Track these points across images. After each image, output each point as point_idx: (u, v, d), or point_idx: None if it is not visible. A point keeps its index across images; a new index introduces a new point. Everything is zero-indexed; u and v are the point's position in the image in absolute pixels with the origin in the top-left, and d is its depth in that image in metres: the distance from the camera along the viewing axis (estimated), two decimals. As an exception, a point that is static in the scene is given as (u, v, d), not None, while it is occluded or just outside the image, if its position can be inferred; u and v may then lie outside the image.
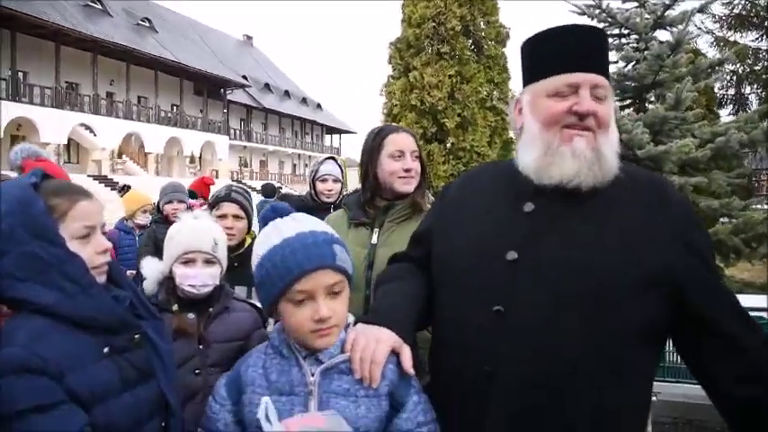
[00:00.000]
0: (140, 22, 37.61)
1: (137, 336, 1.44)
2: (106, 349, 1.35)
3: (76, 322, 1.30)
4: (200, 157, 40.71)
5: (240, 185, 3.04)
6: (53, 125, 28.87)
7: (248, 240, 2.82)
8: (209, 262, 2.03)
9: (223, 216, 2.69)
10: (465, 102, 12.79)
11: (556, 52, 1.37)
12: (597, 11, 7.76)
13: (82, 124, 31.60)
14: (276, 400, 1.26)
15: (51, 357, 1.24)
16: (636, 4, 7.46)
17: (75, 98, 31.72)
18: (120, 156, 33.24)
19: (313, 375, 1.29)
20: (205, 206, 3.90)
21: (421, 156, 2.35)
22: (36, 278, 1.27)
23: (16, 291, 1.28)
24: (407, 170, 2.23)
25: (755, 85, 14.18)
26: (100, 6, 34.36)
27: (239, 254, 2.69)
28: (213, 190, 4.89)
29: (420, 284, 1.54)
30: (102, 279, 1.42)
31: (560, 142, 1.34)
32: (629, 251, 1.25)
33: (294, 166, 56.62)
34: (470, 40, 13.21)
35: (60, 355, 1.26)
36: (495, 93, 13.87)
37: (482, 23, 13.38)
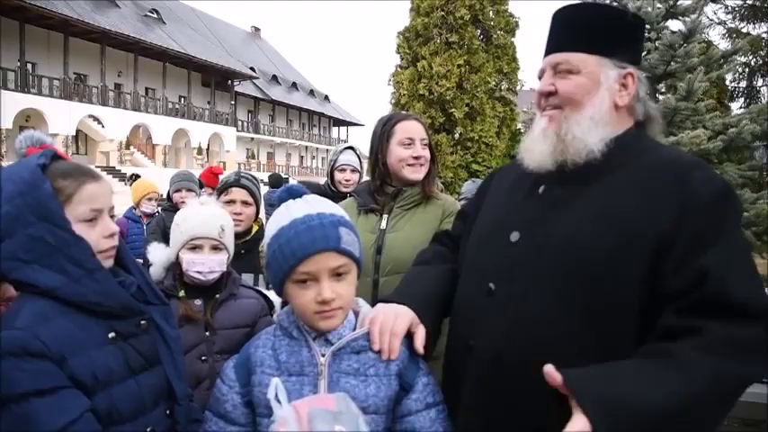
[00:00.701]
0: (148, 14, 37.57)
1: (143, 321, 1.42)
2: (111, 334, 1.34)
3: (81, 306, 1.29)
4: (207, 149, 40.77)
5: (248, 172, 3.02)
6: (61, 116, 28.96)
7: (255, 227, 2.81)
8: (216, 248, 2.02)
9: (231, 201, 2.68)
10: (473, 92, 12.71)
11: (547, 37, 1.46)
12: (608, 0, 7.70)
13: (90, 116, 31.68)
14: (286, 381, 1.25)
15: (53, 340, 1.22)
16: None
17: (83, 89, 31.77)
18: (128, 147, 33.36)
19: (323, 356, 1.29)
20: (212, 193, 3.88)
21: (431, 144, 2.34)
22: (41, 261, 1.27)
23: (21, 273, 1.27)
24: (417, 157, 2.24)
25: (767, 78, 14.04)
26: (107, -3, 34.34)
27: (246, 240, 2.69)
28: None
29: (448, 270, 1.59)
30: (108, 263, 1.40)
31: (542, 125, 1.41)
32: (620, 233, 1.22)
33: (302, 158, 56.61)
34: (479, 30, 13.08)
35: (63, 338, 1.24)
36: (503, 83, 13.74)
37: (491, 13, 13.23)
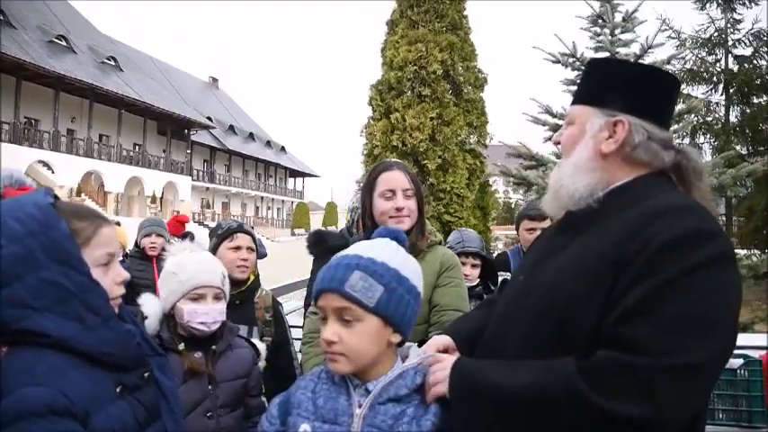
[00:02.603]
0: (105, 60, 37.19)
1: (146, 374, 1.35)
2: (119, 388, 1.25)
3: (93, 357, 1.20)
4: (161, 198, 40.02)
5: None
6: (9, 161, 27.80)
7: (252, 277, 2.67)
8: (217, 297, 1.95)
9: (237, 248, 2.57)
10: (445, 144, 12.87)
11: None
12: (571, 59, 8.01)
13: (40, 161, 30.77)
14: (318, 428, 1.25)
15: (76, 396, 1.13)
16: (608, 53, 7.68)
17: (33, 134, 30.97)
18: (78, 194, 32.29)
19: (360, 407, 1.26)
20: (187, 239, 3.64)
21: (419, 193, 2.22)
22: (54, 308, 1.16)
23: (31, 321, 1.14)
24: (399, 209, 2.14)
25: (708, 135, 14.96)
26: (65, 43, 33.87)
27: (242, 291, 2.57)
28: (188, 228, 4.75)
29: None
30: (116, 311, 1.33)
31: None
32: (585, 278, 1.22)
33: (257, 208, 56.06)
34: (449, 85, 13.40)
35: (83, 393, 1.15)
36: (473, 136, 14.01)
37: (461, 68, 13.61)
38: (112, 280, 1.30)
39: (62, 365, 1.15)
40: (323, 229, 3.88)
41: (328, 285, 1.26)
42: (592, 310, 1.19)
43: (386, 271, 1.27)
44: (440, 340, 1.47)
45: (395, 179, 2.17)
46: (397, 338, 1.29)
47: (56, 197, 1.29)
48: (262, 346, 2.25)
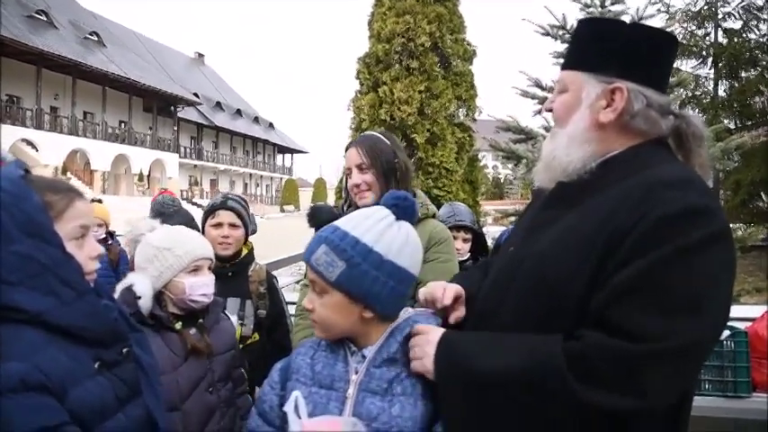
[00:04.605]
0: (88, 36, 36.52)
1: (125, 349, 1.33)
2: (97, 364, 1.24)
3: (69, 333, 1.18)
4: (148, 176, 39.71)
5: (236, 194, 2.90)
6: (-9, 139, 27.43)
7: (245, 251, 2.68)
8: (209, 268, 1.98)
9: (218, 224, 2.58)
10: (434, 118, 12.76)
11: None
12: (561, 31, 7.91)
13: (23, 139, 30.33)
14: (315, 393, 1.28)
15: (52, 371, 1.12)
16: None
17: (16, 112, 30.46)
18: (64, 172, 31.92)
19: (356, 373, 1.28)
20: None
21: (379, 163, 2.16)
22: (28, 282, 1.14)
23: (6, 297, 1.12)
24: (356, 185, 2.17)
25: (696, 110, 15.01)
26: (45, 18, 33.14)
27: (235, 263, 2.60)
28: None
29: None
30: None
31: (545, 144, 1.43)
32: (577, 250, 1.19)
33: (245, 185, 55.77)
34: (438, 57, 13.22)
35: (60, 368, 1.14)
36: (461, 110, 13.89)
37: (449, 41, 13.42)
38: (87, 254, 1.28)
39: (39, 341, 1.14)
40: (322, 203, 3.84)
41: (305, 255, 1.31)
42: (581, 282, 1.16)
43: (351, 246, 1.25)
44: (456, 289, 1.44)
45: (349, 157, 2.19)
46: (369, 314, 1.27)
47: (27, 171, 1.26)
48: (234, 319, 2.32)
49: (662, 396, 1.08)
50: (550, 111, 1.41)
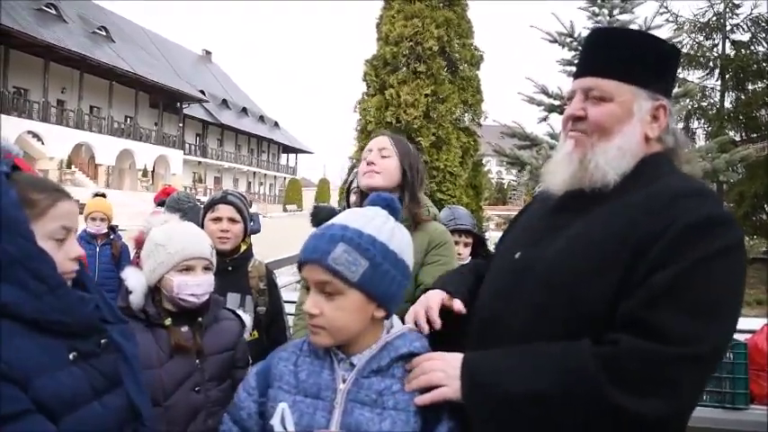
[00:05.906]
0: (96, 31, 36.61)
1: (103, 341, 1.35)
2: (72, 355, 1.25)
3: (40, 325, 1.20)
4: (152, 171, 39.77)
5: (237, 191, 2.90)
6: (-2, 131, 27.55)
7: (244, 247, 2.66)
8: (206, 269, 1.94)
9: (218, 219, 2.57)
10: (440, 121, 12.72)
11: (579, 58, 1.46)
12: (569, 39, 7.90)
13: (29, 132, 30.41)
14: (300, 401, 1.23)
15: (16, 361, 1.13)
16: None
17: (23, 104, 30.55)
18: (69, 166, 31.99)
19: (344, 382, 1.23)
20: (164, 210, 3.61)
21: (405, 159, 2.17)
22: None
23: None
24: (370, 163, 2.14)
25: (702, 121, 14.96)
26: (54, 12, 33.26)
27: (234, 258, 2.59)
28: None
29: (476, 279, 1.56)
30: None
31: (568, 149, 1.38)
32: (596, 255, 1.20)
33: (249, 183, 55.82)
34: (445, 62, 13.21)
35: (25, 359, 1.15)
36: (467, 115, 13.88)
37: (457, 45, 13.42)
38: (65, 255, 1.29)
39: (7, 331, 1.15)
40: (325, 204, 3.86)
41: (311, 256, 1.21)
42: (606, 288, 1.16)
43: (371, 244, 1.21)
44: (437, 297, 1.40)
45: (377, 141, 2.20)
46: (381, 314, 1.25)
47: (15, 168, 1.28)
48: (247, 318, 2.25)
49: (690, 401, 1.10)
50: (579, 118, 1.36)
